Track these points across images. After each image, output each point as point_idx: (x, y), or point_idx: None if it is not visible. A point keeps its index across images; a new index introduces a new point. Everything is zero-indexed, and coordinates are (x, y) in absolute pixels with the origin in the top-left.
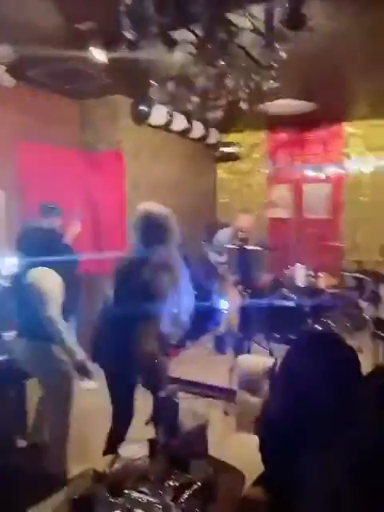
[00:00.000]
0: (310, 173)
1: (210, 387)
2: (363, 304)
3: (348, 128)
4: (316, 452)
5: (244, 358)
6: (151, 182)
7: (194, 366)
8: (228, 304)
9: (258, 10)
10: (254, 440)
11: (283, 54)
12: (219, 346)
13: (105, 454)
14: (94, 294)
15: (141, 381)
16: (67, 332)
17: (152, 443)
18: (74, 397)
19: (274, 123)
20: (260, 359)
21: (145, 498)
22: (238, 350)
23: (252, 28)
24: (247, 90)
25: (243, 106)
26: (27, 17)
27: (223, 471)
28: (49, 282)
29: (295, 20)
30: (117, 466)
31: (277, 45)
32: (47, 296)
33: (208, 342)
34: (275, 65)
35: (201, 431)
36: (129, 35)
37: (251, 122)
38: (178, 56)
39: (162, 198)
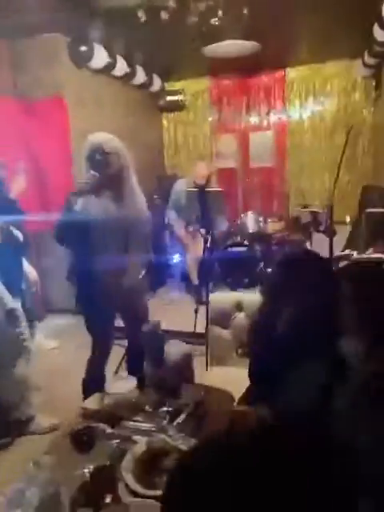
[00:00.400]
0: (254, 121)
1: (177, 333)
2: (307, 245)
3: (290, 73)
4: (305, 362)
5: (215, 295)
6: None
7: (157, 315)
8: (188, 254)
9: None
10: (227, 372)
11: None
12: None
13: (85, 396)
14: (44, 249)
15: (125, 318)
16: None
17: (140, 377)
18: (27, 348)
19: (217, 69)
20: (230, 295)
21: (142, 425)
22: (199, 296)
23: None
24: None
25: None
26: None
27: (211, 393)
28: None
29: None
30: (108, 401)
31: None
32: None
33: (165, 293)
34: None
35: (186, 360)
36: None
37: (194, 67)
38: None
39: None
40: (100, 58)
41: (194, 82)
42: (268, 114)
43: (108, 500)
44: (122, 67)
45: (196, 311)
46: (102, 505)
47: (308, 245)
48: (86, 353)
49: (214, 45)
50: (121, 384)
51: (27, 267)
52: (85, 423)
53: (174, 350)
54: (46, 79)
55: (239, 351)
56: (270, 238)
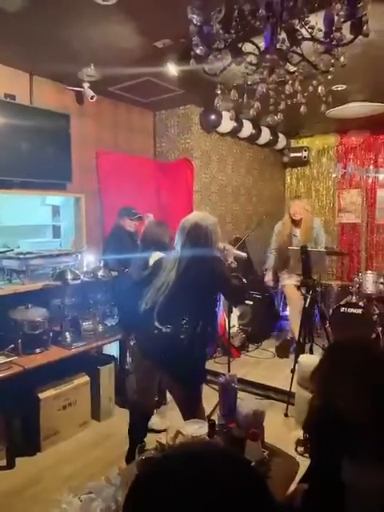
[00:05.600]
0: (382, 177)
1: (271, 389)
2: None
3: None
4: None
5: (305, 358)
6: (220, 188)
7: (256, 368)
8: (292, 308)
9: (315, 18)
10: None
11: (343, 59)
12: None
13: None
14: None
15: None
16: None
17: (211, 424)
18: None
19: (344, 127)
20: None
21: None
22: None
23: (310, 36)
24: (306, 94)
25: (303, 110)
26: (111, 39)
27: (278, 456)
28: None
29: (354, 25)
30: (178, 440)
31: (337, 50)
32: None
33: (270, 347)
34: (332, 69)
35: (257, 417)
36: (198, 51)
37: (320, 126)
38: (241, 66)
39: (229, 203)
40: (227, 123)
41: (320, 139)
42: None
43: None
44: (246, 129)
45: (292, 371)
46: None
47: None
48: None
49: (339, 107)
50: (195, 426)
51: None
52: (154, 453)
53: (247, 404)
54: (180, 143)
55: (297, 448)
56: None
